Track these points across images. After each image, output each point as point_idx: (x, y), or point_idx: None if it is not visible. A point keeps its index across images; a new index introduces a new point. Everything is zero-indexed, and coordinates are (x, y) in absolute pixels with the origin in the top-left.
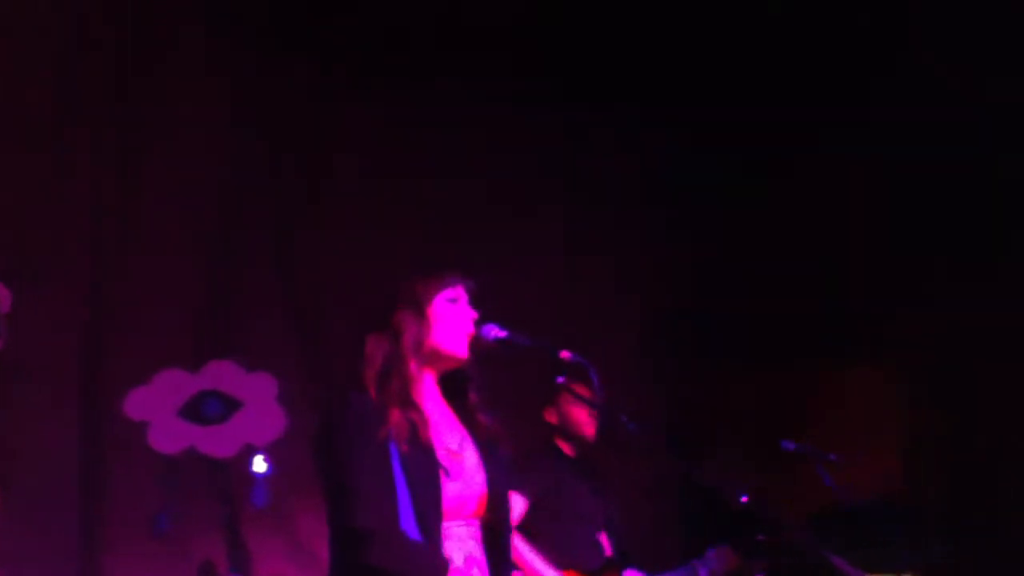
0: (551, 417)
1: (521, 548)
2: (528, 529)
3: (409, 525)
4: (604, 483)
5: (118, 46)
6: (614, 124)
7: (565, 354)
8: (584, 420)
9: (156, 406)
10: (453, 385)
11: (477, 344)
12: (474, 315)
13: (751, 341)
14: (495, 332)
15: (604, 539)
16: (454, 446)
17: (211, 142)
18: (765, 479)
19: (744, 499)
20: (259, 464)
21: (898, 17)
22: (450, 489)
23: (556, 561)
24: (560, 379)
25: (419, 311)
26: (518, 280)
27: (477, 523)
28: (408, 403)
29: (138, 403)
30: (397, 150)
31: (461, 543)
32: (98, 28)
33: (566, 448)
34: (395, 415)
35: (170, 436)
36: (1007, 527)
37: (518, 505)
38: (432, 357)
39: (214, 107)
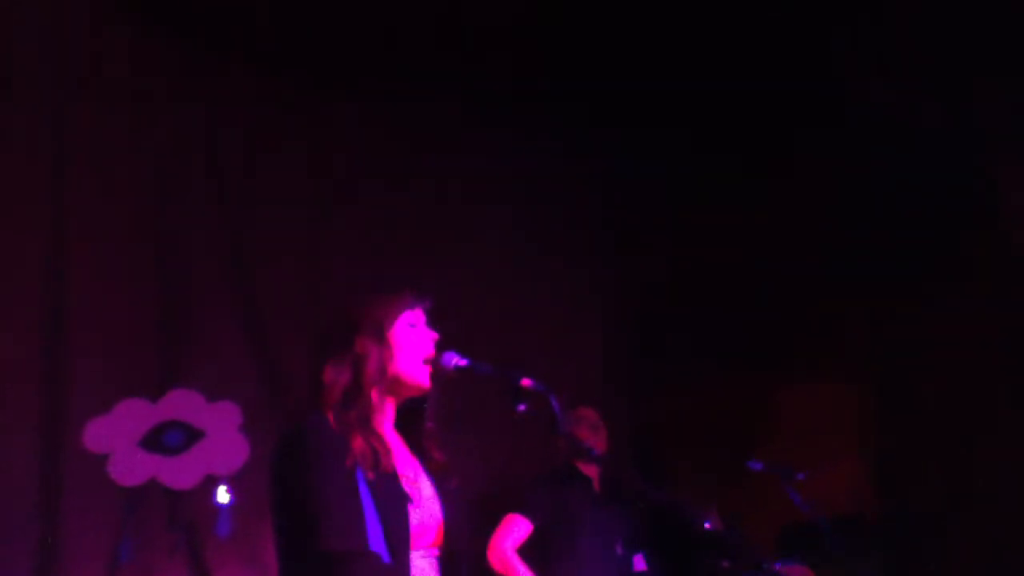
0: (564, 444)
1: (520, 569)
2: (540, 547)
3: (379, 551)
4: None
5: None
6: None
7: (526, 382)
8: (593, 442)
9: (116, 437)
10: (405, 415)
11: (437, 371)
12: (434, 336)
13: (714, 355)
14: (456, 360)
15: (638, 557)
16: (411, 475)
17: (162, 166)
18: (731, 497)
19: (707, 525)
20: (223, 495)
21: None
22: (414, 517)
23: None
24: (521, 407)
25: (380, 337)
26: (470, 304)
27: (435, 554)
28: (369, 430)
29: (98, 434)
30: (350, 170)
31: (423, 574)
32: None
33: (587, 471)
34: (358, 442)
35: (131, 467)
36: (977, 539)
37: (522, 528)
38: (394, 385)
39: (162, 131)
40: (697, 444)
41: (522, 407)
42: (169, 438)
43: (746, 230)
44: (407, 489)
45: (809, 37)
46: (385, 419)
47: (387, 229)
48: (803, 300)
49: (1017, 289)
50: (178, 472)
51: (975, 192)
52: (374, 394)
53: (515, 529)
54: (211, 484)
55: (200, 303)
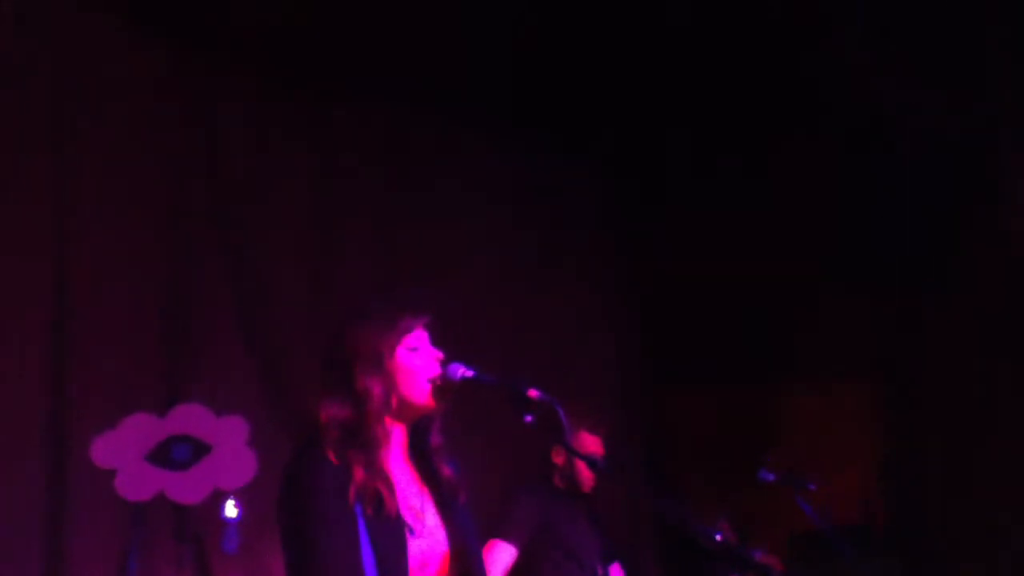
0: (558, 458)
1: None
2: (527, 570)
3: None
4: (599, 516)
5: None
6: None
7: (533, 392)
8: (586, 469)
9: (124, 452)
10: (416, 434)
11: (443, 385)
12: (439, 355)
13: (722, 366)
14: (462, 371)
15: (616, 572)
16: (416, 504)
17: (163, 183)
18: (741, 506)
19: (718, 537)
20: (230, 509)
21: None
22: (414, 547)
23: None
24: (528, 418)
25: (380, 369)
26: (477, 313)
27: None
28: (373, 468)
29: (106, 449)
30: (352, 181)
31: None
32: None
33: (558, 482)
34: (360, 477)
35: (139, 482)
36: (986, 550)
37: (507, 554)
38: (401, 410)
39: (163, 147)
40: (705, 453)
41: (529, 418)
42: (177, 453)
43: (747, 235)
44: (410, 520)
45: (808, 37)
46: (392, 449)
47: (391, 239)
48: (804, 304)
49: (1018, 287)
50: (186, 487)
51: (975, 191)
52: (379, 428)
53: (500, 556)
54: (219, 499)
55: (203, 319)
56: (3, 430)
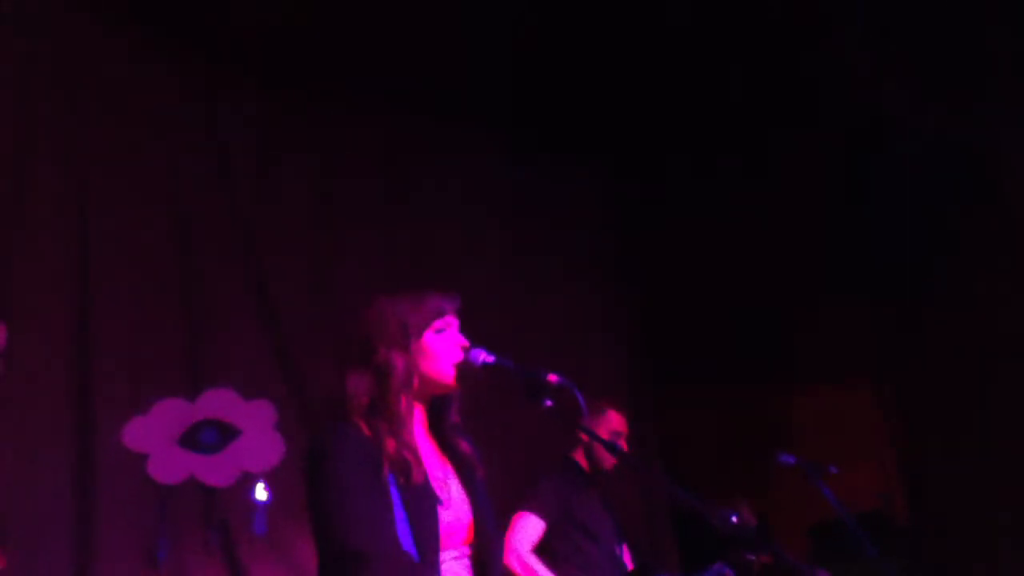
0: (584, 436)
1: (540, 571)
2: (548, 550)
3: (410, 552)
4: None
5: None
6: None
7: (552, 377)
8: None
9: (155, 436)
10: (435, 412)
11: (464, 369)
12: (464, 343)
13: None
14: (483, 356)
15: (625, 552)
16: (441, 475)
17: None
18: (762, 493)
19: (734, 519)
20: (260, 492)
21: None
22: (444, 517)
23: None
24: (548, 403)
25: (407, 347)
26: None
27: (467, 552)
28: (400, 440)
29: (137, 434)
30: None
31: (454, 574)
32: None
33: (583, 463)
34: (391, 447)
35: (170, 466)
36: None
37: (537, 527)
38: (423, 388)
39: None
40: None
41: (549, 403)
42: (206, 436)
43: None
44: (437, 491)
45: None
46: (416, 423)
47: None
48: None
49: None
50: (215, 470)
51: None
52: (402, 402)
53: (529, 528)
54: (247, 482)
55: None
56: (30, 421)
